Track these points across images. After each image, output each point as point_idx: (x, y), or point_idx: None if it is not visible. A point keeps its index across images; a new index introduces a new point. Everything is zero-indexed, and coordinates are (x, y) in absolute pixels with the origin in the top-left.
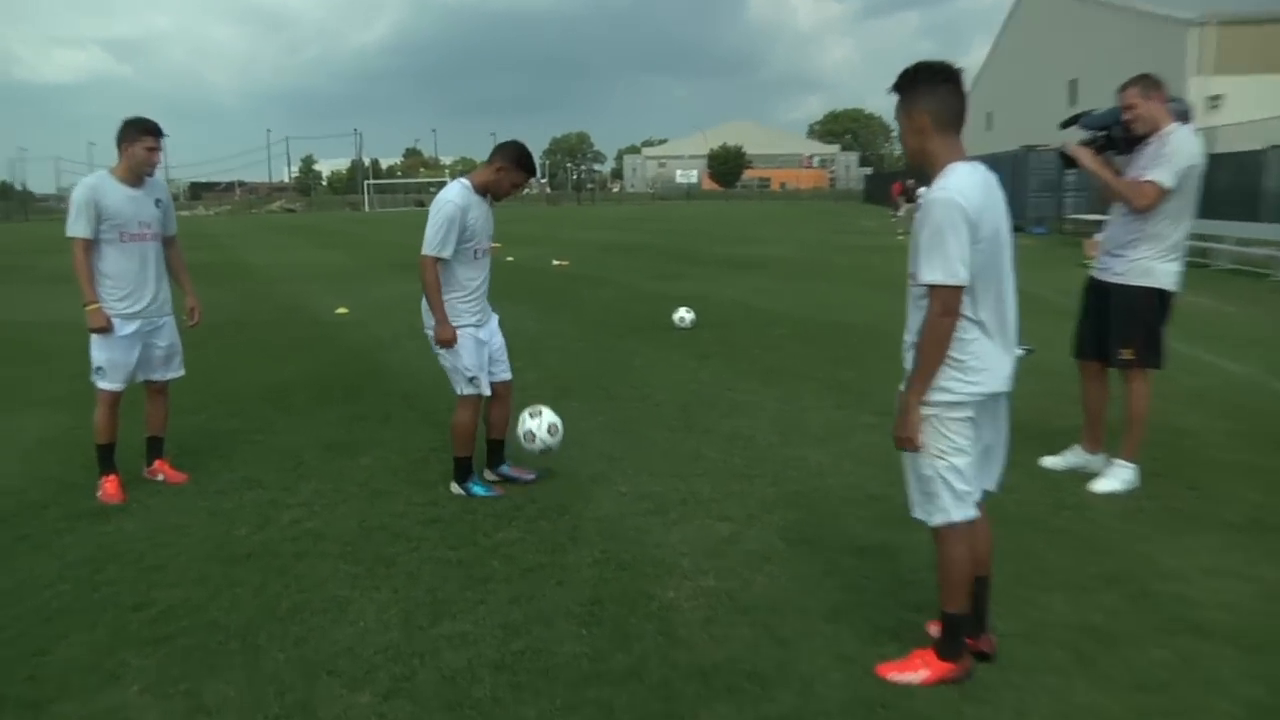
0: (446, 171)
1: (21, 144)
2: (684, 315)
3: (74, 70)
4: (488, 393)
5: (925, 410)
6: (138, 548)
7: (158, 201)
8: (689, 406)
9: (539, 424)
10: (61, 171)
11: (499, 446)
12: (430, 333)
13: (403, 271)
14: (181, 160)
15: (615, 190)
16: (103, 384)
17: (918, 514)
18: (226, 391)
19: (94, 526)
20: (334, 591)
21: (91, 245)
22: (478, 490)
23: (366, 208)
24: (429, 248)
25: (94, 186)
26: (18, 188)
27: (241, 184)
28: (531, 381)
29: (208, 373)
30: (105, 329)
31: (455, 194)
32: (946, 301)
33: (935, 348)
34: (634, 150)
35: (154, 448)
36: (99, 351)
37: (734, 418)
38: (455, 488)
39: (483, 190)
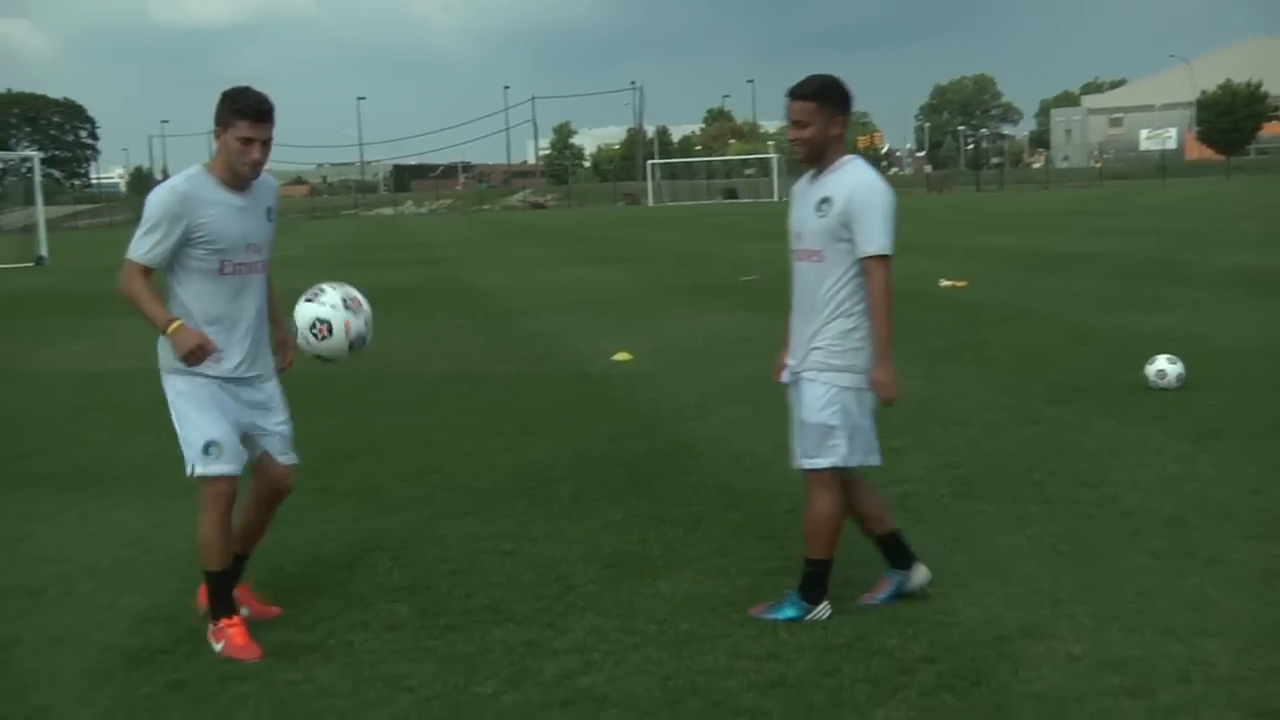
0: (770, 144)
1: (163, 114)
2: (1165, 368)
3: (233, 7)
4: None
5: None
6: (339, 706)
7: (268, 212)
8: (1182, 519)
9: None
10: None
11: None
12: None
13: (711, 296)
14: (380, 134)
15: (1037, 165)
16: (214, 467)
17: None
18: (454, 476)
19: (274, 673)
20: None
21: (149, 275)
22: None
23: (651, 199)
24: None
25: (185, 194)
26: (158, 176)
27: (468, 168)
28: (916, 470)
29: (424, 449)
30: (204, 348)
31: None
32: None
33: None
34: (1067, 100)
35: (232, 569)
36: (198, 418)
37: (1266, 540)
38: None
39: None
